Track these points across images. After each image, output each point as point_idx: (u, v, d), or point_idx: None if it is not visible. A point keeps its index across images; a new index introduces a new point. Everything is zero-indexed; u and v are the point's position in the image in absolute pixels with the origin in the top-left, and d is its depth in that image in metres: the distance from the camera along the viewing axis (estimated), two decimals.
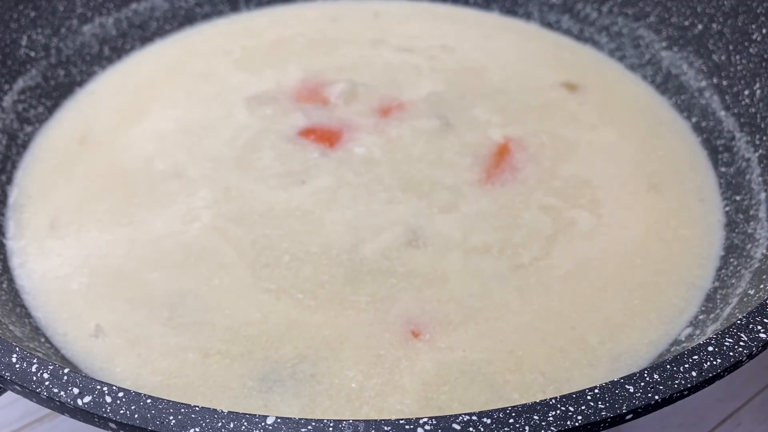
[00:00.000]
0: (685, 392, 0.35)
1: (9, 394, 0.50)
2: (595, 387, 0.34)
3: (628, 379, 0.35)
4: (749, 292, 0.44)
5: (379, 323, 0.45)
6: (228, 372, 0.43)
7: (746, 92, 0.57)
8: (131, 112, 0.62)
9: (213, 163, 0.56)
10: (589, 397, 0.34)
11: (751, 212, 0.52)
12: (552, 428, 0.33)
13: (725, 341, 0.37)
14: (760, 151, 0.54)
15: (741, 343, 0.36)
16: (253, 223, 0.51)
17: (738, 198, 0.54)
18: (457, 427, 0.33)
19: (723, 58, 0.60)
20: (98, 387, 0.35)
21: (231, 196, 0.54)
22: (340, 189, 0.54)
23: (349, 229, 0.51)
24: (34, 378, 0.35)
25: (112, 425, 0.34)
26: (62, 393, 0.35)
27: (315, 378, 0.43)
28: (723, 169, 0.56)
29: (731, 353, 0.36)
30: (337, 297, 0.47)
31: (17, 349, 0.37)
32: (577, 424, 0.33)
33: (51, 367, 0.36)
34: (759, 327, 0.37)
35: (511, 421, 0.33)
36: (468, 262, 0.49)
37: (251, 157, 0.57)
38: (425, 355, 0.44)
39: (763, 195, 0.52)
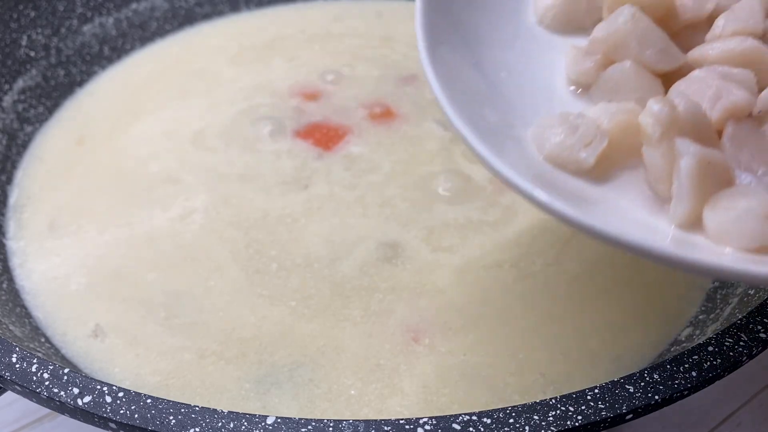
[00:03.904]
0: (685, 392, 0.35)
1: (9, 394, 0.50)
2: (595, 387, 0.34)
3: (628, 379, 0.35)
4: (749, 292, 0.44)
5: (378, 335, 0.45)
6: (224, 373, 0.43)
7: None
8: (131, 112, 0.62)
9: (211, 165, 0.56)
10: (589, 397, 0.34)
11: None
12: (552, 428, 0.33)
13: (725, 341, 0.37)
14: None
15: (741, 343, 0.36)
16: (248, 226, 0.51)
17: None
18: (457, 427, 0.33)
19: None
20: (98, 387, 0.35)
21: (228, 198, 0.53)
22: (332, 196, 0.53)
23: (334, 235, 0.51)
24: (34, 378, 0.35)
25: (112, 425, 0.34)
26: (62, 393, 0.35)
27: (313, 382, 0.43)
28: None
29: (731, 353, 0.36)
30: (329, 309, 0.46)
31: (17, 348, 0.37)
32: (577, 424, 0.33)
33: (51, 367, 0.36)
34: (759, 327, 0.37)
35: (511, 421, 0.33)
36: (468, 275, 0.49)
37: (249, 158, 0.57)
38: (425, 359, 0.44)
39: None
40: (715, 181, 0.32)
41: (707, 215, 0.31)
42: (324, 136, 0.58)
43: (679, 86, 0.35)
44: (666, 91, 0.36)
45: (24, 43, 0.61)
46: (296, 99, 0.62)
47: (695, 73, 0.35)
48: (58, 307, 0.48)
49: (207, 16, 0.71)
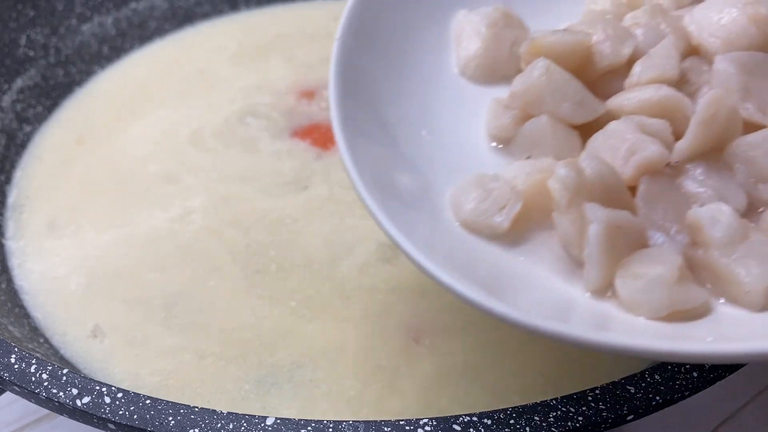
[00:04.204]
0: (687, 393, 0.35)
1: (8, 395, 0.50)
2: (596, 387, 0.34)
3: (629, 379, 0.35)
4: None
5: (378, 336, 0.45)
6: (224, 374, 0.43)
7: None
8: (130, 112, 0.62)
9: (210, 165, 0.56)
10: (590, 398, 0.34)
11: None
12: (553, 429, 0.33)
13: None
14: None
15: None
16: (248, 227, 0.51)
17: None
18: (458, 428, 0.33)
19: None
20: (97, 387, 0.34)
21: (227, 198, 0.53)
22: (331, 197, 0.53)
23: (334, 235, 0.51)
24: (33, 378, 0.35)
25: (111, 426, 0.34)
26: (61, 393, 0.34)
27: (313, 383, 0.43)
28: None
29: None
30: (329, 309, 0.46)
31: (16, 349, 0.37)
32: (578, 424, 0.33)
33: (50, 368, 0.36)
34: None
35: (512, 422, 0.33)
36: None
37: (249, 158, 0.56)
38: (425, 360, 0.44)
39: None
40: (627, 244, 0.31)
41: (618, 283, 0.31)
42: (323, 136, 0.58)
43: (595, 141, 0.35)
44: (584, 143, 0.35)
45: (23, 42, 0.61)
46: (295, 98, 0.62)
47: (612, 125, 0.35)
48: (57, 307, 0.48)
49: (206, 16, 0.71)
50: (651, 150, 0.33)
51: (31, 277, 0.49)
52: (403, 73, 0.40)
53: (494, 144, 0.38)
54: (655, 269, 0.30)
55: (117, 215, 0.53)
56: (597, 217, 0.31)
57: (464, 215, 0.34)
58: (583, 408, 0.33)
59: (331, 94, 0.37)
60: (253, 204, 0.53)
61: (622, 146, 0.33)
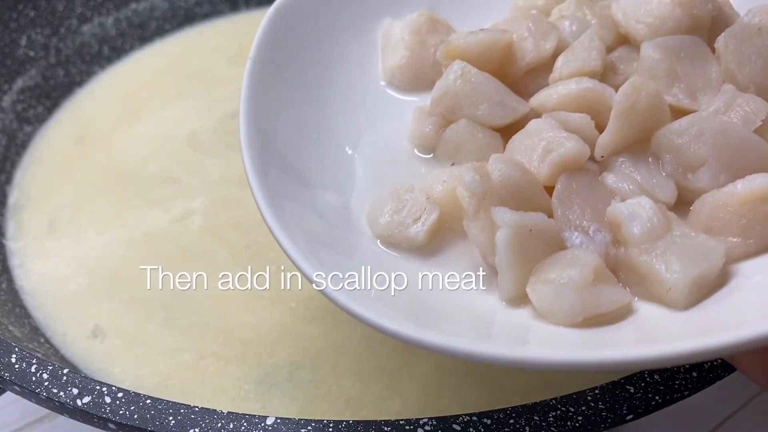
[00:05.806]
0: (686, 393, 0.35)
1: (8, 394, 0.50)
2: (596, 387, 0.34)
3: (629, 379, 0.35)
4: None
5: (378, 337, 0.45)
6: (223, 374, 0.43)
7: None
8: (130, 112, 0.62)
9: (210, 166, 0.56)
10: (589, 398, 0.34)
11: None
12: (552, 428, 0.33)
13: None
14: None
15: None
16: (247, 228, 0.51)
17: None
18: (458, 427, 0.33)
19: None
20: (97, 387, 0.35)
21: (227, 200, 0.53)
22: None
23: None
24: (34, 378, 0.35)
25: (112, 425, 0.34)
26: (61, 393, 0.35)
27: (313, 383, 0.43)
28: None
29: None
30: (329, 310, 0.46)
31: (17, 349, 0.37)
32: (577, 424, 0.33)
33: (50, 368, 0.36)
34: None
35: (512, 421, 0.33)
36: None
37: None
38: (425, 360, 0.44)
39: None
40: (541, 247, 0.30)
41: (528, 290, 0.29)
42: None
43: (513, 142, 0.33)
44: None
45: (23, 43, 0.61)
46: None
47: (531, 124, 0.33)
48: (57, 307, 0.48)
49: (206, 16, 0.71)
50: (567, 147, 0.31)
51: (32, 277, 0.49)
52: (324, 90, 0.39)
53: (421, 154, 0.37)
54: (565, 273, 0.28)
55: (117, 216, 0.53)
56: (505, 221, 0.29)
57: (379, 230, 0.33)
58: (583, 408, 0.33)
59: (241, 120, 0.34)
60: (253, 205, 0.53)
61: (539, 145, 0.32)
